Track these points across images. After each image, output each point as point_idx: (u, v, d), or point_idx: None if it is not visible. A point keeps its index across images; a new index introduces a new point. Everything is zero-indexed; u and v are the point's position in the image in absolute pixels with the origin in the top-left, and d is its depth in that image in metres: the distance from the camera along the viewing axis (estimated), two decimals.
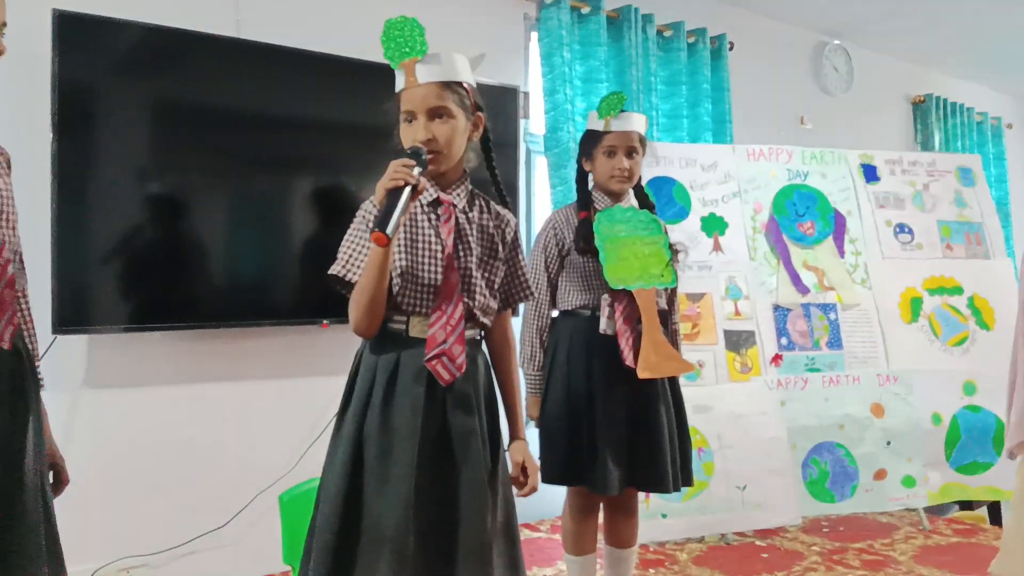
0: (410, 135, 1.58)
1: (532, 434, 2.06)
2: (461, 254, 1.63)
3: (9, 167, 1.57)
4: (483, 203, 1.72)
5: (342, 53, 3.05)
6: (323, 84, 3.06)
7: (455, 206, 1.64)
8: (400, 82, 1.60)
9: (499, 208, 1.75)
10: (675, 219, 3.64)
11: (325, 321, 3.09)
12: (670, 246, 2.44)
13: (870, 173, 4.04)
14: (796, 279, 3.76)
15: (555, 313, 2.47)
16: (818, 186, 3.92)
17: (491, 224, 1.71)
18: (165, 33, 2.73)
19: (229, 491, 2.94)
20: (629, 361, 2.28)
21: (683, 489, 3.28)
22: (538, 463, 1.91)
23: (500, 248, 1.71)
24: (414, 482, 1.50)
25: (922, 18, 4.96)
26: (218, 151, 2.90)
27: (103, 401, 2.76)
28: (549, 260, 2.44)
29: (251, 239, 3.02)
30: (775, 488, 3.43)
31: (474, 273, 1.64)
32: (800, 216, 3.85)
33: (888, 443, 3.59)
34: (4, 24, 1.47)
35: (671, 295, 2.52)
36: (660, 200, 3.60)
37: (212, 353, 2.99)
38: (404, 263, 1.57)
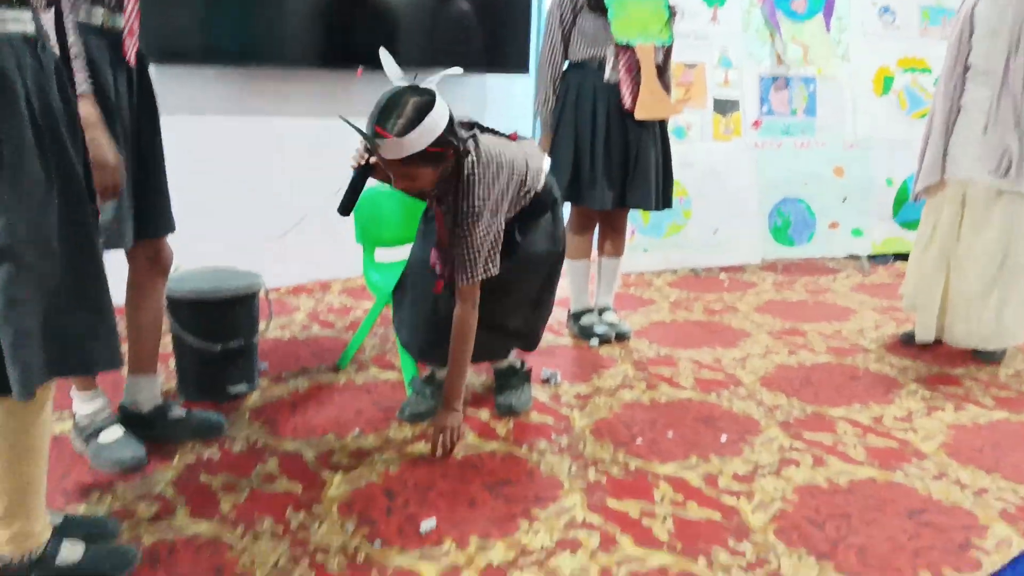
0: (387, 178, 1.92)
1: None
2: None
3: None
4: (452, 191, 1.93)
5: None
6: None
7: (440, 205, 1.98)
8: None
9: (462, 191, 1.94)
10: None
11: (360, 67, 3.48)
12: (669, 7, 2.82)
13: None
14: (783, 52, 4.13)
15: (566, 66, 2.89)
16: None
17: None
18: None
19: (279, 209, 3.46)
20: (628, 104, 2.75)
21: (663, 226, 3.90)
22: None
23: None
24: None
25: None
26: None
27: (165, 126, 3.20)
28: (563, 16, 2.81)
29: None
30: (742, 233, 4.04)
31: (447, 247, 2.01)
32: None
33: (844, 199, 4.17)
34: None
35: (667, 52, 2.92)
36: None
37: (259, 91, 3.42)
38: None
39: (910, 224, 4.23)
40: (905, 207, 4.22)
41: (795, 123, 4.15)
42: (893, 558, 1.59)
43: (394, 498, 1.77)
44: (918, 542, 1.65)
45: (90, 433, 1.88)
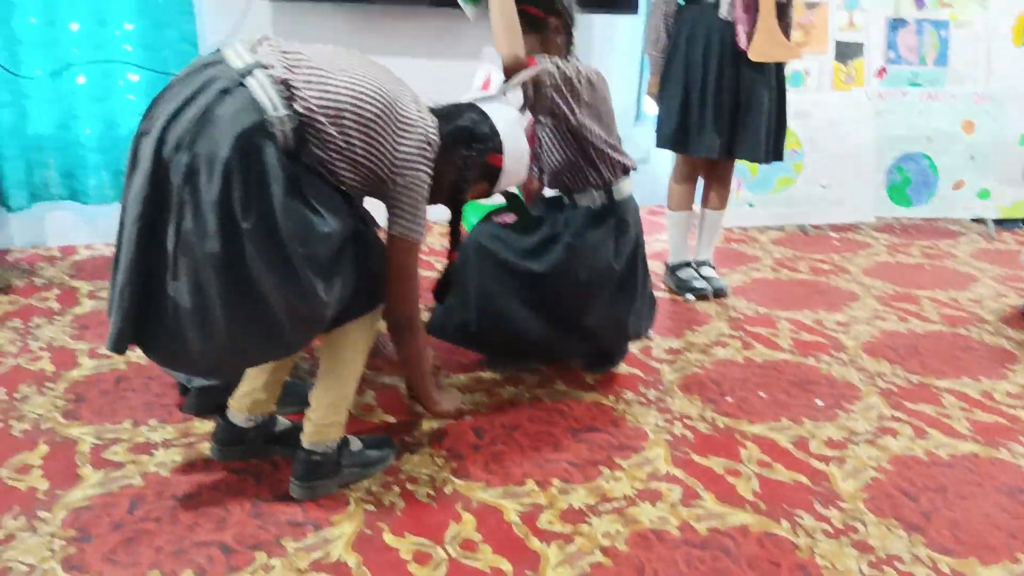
0: None
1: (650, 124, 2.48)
2: None
3: None
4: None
5: None
6: None
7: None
8: None
9: None
10: None
11: None
12: None
13: None
14: None
15: (682, 2, 2.78)
16: None
17: None
18: None
19: None
20: (743, 44, 2.63)
21: (772, 180, 3.76)
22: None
23: None
24: None
25: None
26: None
27: None
28: None
29: None
30: (856, 189, 3.85)
31: None
32: None
33: (972, 157, 3.90)
34: None
35: None
36: None
37: (375, 29, 3.47)
38: None
39: None
40: None
41: (924, 72, 3.89)
42: (988, 536, 1.53)
43: (482, 436, 1.82)
44: (1018, 522, 1.58)
45: None
